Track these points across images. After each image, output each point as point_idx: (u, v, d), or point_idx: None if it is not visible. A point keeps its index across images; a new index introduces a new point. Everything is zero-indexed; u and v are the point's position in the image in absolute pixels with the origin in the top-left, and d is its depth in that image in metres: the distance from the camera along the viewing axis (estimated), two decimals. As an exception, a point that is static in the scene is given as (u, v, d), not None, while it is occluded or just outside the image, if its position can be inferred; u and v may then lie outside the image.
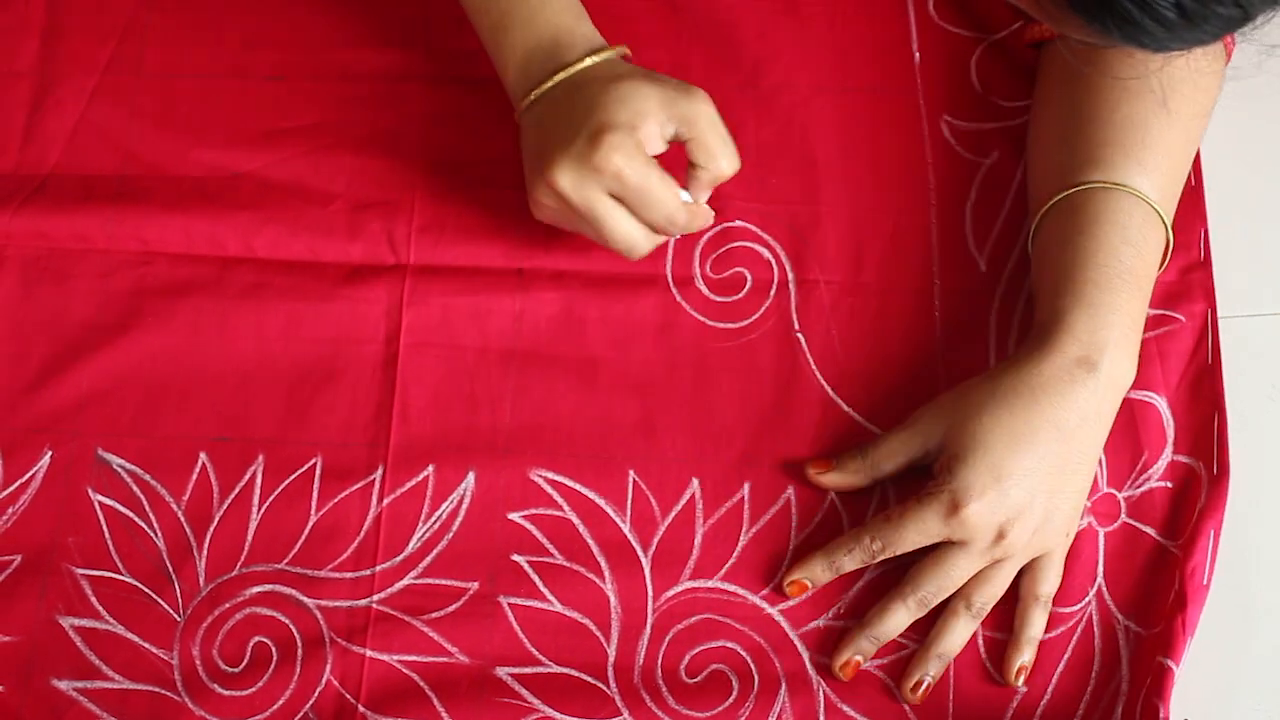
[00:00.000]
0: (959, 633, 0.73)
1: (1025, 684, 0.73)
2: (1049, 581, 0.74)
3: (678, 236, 0.78)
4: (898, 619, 0.73)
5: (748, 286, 0.80)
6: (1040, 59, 0.83)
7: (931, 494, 0.72)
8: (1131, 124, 0.75)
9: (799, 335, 0.79)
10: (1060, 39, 0.79)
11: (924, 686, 0.73)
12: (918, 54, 0.86)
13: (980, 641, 0.74)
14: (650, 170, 0.71)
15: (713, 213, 0.77)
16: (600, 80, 0.72)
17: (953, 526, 0.71)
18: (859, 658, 0.73)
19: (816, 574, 0.74)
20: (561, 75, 0.73)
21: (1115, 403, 0.74)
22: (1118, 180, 0.75)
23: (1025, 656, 0.73)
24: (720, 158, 0.73)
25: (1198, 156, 0.82)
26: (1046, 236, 0.77)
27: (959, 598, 0.73)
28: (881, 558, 0.73)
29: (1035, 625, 0.74)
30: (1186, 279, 0.80)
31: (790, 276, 0.81)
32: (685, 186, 0.74)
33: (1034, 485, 0.71)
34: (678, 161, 0.74)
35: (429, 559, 0.75)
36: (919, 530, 0.72)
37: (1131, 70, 0.75)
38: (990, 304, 0.80)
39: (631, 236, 0.73)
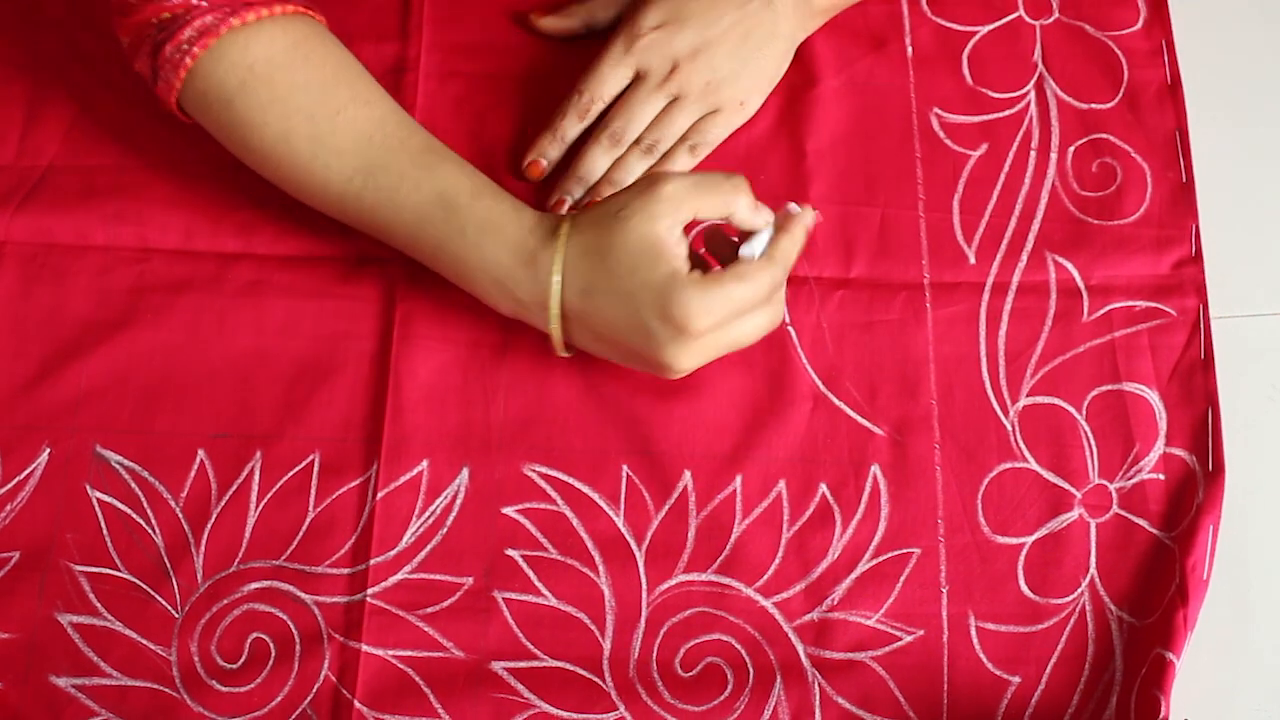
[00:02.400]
0: (632, 165, 0.81)
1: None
2: (703, 133, 0.81)
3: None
4: (597, 159, 0.81)
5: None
6: None
7: (617, 32, 0.81)
8: None
9: (790, 329, 0.79)
10: None
11: (565, 205, 0.81)
12: (910, 48, 0.86)
13: (974, 634, 0.74)
14: (727, 289, 0.69)
15: (800, 208, 0.74)
16: (596, 264, 0.71)
17: (634, 54, 0.80)
18: (567, 198, 0.81)
19: (547, 150, 0.82)
20: (554, 298, 0.72)
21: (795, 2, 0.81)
22: None
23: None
24: (728, 197, 0.71)
25: (1189, 153, 0.83)
26: None
27: (636, 140, 0.81)
28: (594, 110, 0.81)
29: (677, 163, 0.81)
30: (1178, 274, 0.81)
31: (780, 272, 0.81)
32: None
33: (712, 37, 0.80)
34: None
35: (423, 554, 0.75)
36: (610, 64, 0.81)
37: None
38: (980, 295, 0.80)
39: (765, 323, 0.73)
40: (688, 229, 0.72)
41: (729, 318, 0.70)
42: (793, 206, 0.74)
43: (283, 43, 0.74)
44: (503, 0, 0.87)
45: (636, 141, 0.81)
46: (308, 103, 0.74)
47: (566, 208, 0.80)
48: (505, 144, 0.84)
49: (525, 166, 0.82)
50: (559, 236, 0.72)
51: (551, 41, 0.86)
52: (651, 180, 0.71)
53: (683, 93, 0.81)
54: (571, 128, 0.82)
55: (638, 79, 0.81)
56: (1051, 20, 0.87)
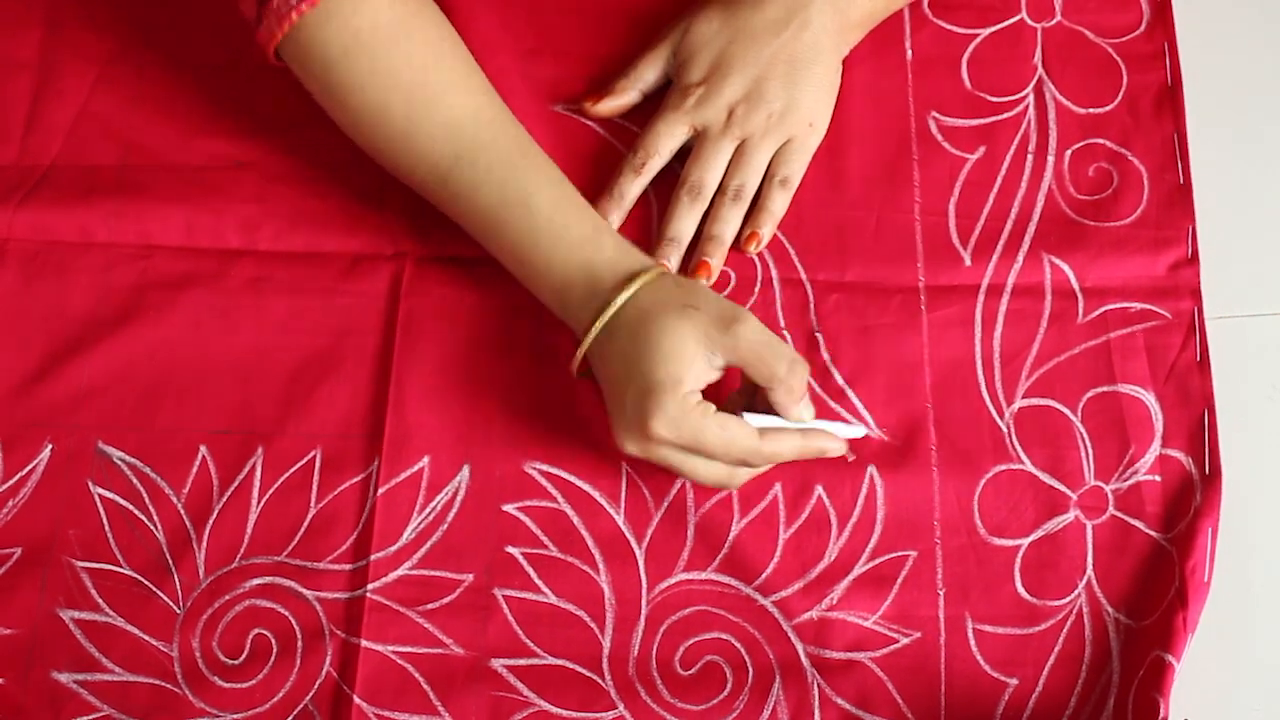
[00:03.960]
0: (727, 215, 0.80)
1: (752, 245, 0.81)
2: (788, 165, 0.81)
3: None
4: (683, 219, 0.80)
5: (732, 284, 0.81)
6: None
7: (669, 93, 0.82)
8: None
9: (785, 332, 0.80)
10: None
11: (709, 268, 0.80)
12: (910, 50, 0.86)
13: (971, 636, 0.74)
14: (702, 425, 0.70)
15: (838, 441, 0.75)
16: (635, 324, 0.71)
17: (689, 114, 0.81)
18: (666, 264, 0.79)
19: (612, 214, 0.80)
20: (599, 323, 0.72)
21: (832, 9, 0.81)
22: None
23: (760, 227, 0.81)
24: (778, 373, 0.71)
25: (1187, 155, 0.83)
26: None
27: (722, 189, 0.81)
28: (651, 165, 0.81)
29: (774, 201, 0.81)
30: (1174, 276, 0.81)
31: (774, 275, 0.81)
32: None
33: (761, 74, 0.80)
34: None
35: (424, 550, 0.76)
36: (666, 125, 0.81)
37: None
38: (975, 298, 0.80)
39: (716, 476, 0.73)
40: (728, 371, 0.73)
41: (687, 445, 0.70)
42: (846, 434, 0.75)
43: (389, 15, 0.74)
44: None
45: (721, 191, 0.81)
46: (408, 81, 0.74)
47: (711, 269, 0.80)
48: None
49: (607, 203, 0.81)
50: (634, 283, 0.73)
51: (553, 36, 0.86)
52: (738, 313, 0.71)
53: (747, 133, 0.81)
54: (629, 185, 0.81)
55: (700, 135, 0.81)
56: (1053, 23, 0.87)
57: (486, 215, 0.75)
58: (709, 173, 0.80)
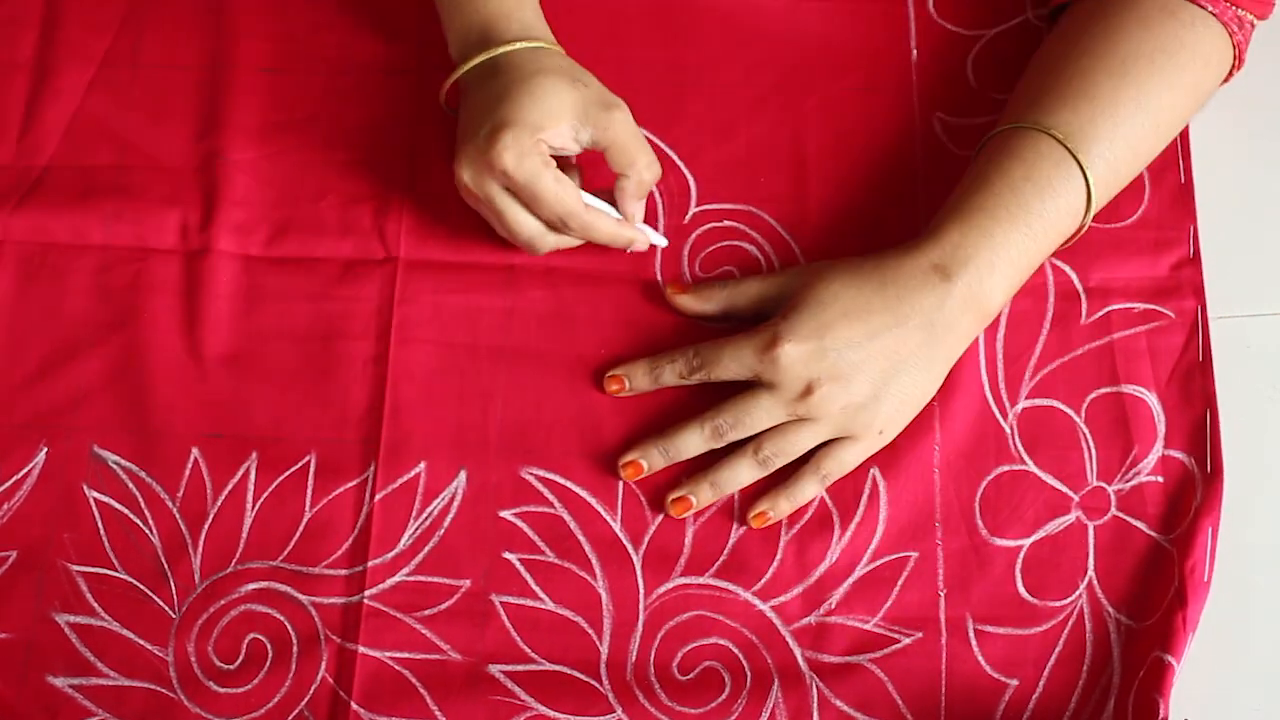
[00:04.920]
0: (740, 472, 0.75)
1: (758, 523, 0.75)
2: (838, 462, 0.75)
3: (600, 243, 0.77)
4: (691, 441, 0.75)
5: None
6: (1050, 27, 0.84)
7: (757, 330, 0.74)
8: (1082, 77, 0.76)
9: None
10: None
11: (689, 505, 0.75)
12: (915, 51, 0.86)
13: (972, 637, 0.74)
14: (542, 170, 0.72)
15: (644, 236, 0.78)
16: (519, 70, 0.73)
17: (765, 364, 0.73)
18: (644, 462, 0.76)
19: (637, 377, 0.77)
20: (482, 57, 0.75)
21: (970, 322, 0.75)
22: (1045, 124, 0.76)
23: (776, 507, 0.75)
24: (638, 163, 0.74)
25: (1189, 154, 0.83)
26: (972, 167, 0.78)
27: (751, 442, 0.75)
28: (697, 377, 0.75)
29: (802, 491, 0.75)
30: (1176, 275, 0.80)
31: (778, 272, 0.81)
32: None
33: (857, 360, 0.73)
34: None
35: (421, 556, 0.75)
36: (735, 358, 0.74)
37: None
38: (977, 299, 0.80)
39: (527, 229, 0.75)
40: None
41: (520, 185, 0.73)
42: (654, 240, 0.79)
43: None
44: None
45: (754, 448, 0.75)
46: None
47: (644, 474, 0.76)
48: None
49: (607, 376, 0.77)
50: (531, 42, 0.75)
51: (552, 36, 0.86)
52: (620, 103, 0.75)
53: (813, 416, 0.74)
54: (669, 377, 0.76)
55: (763, 385, 0.74)
56: None
57: None
58: (740, 428, 0.74)
